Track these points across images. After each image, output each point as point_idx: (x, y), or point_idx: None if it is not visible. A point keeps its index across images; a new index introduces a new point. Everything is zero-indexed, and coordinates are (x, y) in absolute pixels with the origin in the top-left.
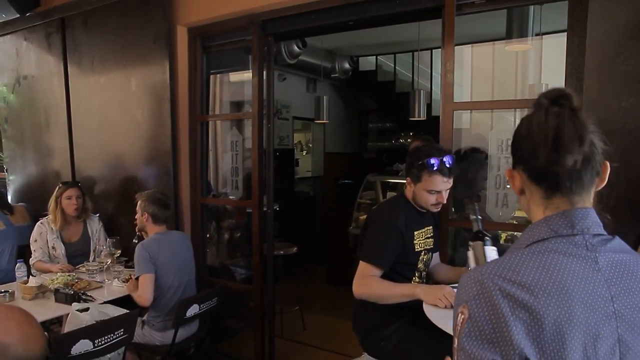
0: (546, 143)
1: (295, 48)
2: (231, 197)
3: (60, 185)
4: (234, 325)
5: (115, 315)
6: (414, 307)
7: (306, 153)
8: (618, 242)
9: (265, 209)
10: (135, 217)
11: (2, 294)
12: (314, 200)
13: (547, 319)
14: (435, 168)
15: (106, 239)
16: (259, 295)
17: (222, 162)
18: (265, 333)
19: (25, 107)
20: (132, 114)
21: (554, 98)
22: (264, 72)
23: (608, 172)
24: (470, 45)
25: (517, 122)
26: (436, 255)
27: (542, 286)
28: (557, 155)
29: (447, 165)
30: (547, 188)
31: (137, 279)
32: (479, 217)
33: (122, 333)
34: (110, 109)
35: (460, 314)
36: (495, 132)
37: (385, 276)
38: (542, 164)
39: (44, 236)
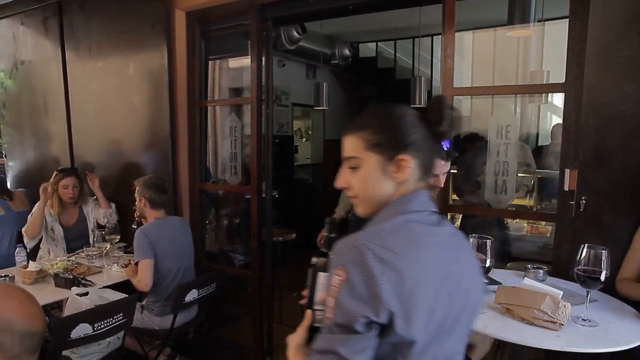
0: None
1: (295, 34)
2: (230, 183)
3: (57, 172)
4: (232, 310)
5: (114, 299)
6: None
7: (305, 140)
8: (446, 219)
9: (264, 195)
10: (135, 203)
11: (2, 279)
12: (314, 187)
13: (407, 278)
14: None
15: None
16: (258, 281)
17: (221, 148)
18: (263, 319)
19: (23, 93)
20: (131, 99)
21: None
22: (263, 57)
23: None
24: (471, 31)
25: (518, 108)
26: None
27: (404, 250)
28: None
29: (445, 149)
30: (424, 171)
31: (136, 264)
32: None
33: (121, 317)
34: (109, 94)
35: (336, 276)
36: (495, 118)
37: None
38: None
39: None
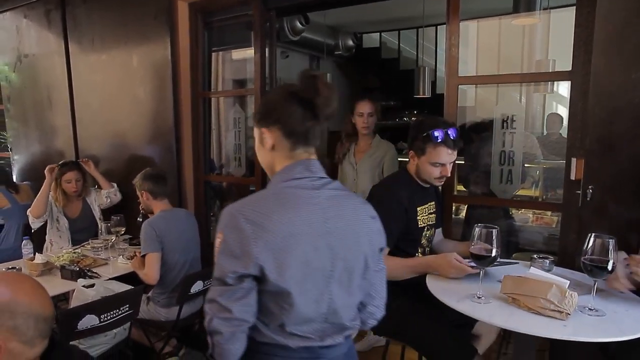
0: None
1: (298, 24)
2: (234, 174)
3: (59, 166)
4: None
5: (120, 291)
6: (416, 283)
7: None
8: (336, 184)
9: None
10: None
11: (9, 270)
12: None
13: (278, 235)
14: (439, 140)
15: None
16: None
17: (224, 139)
18: None
19: (27, 86)
20: (134, 91)
21: (308, 77)
22: (266, 48)
23: None
24: (476, 20)
25: (524, 98)
26: (438, 231)
27: (276, 212)
28: (306, 119)
29: (452, 138)
30: (293, 142)
31: (143, 256)
32: None
33: (127, 309)
34: (112, 86)
35: (217, 239)
36: (500, 107)
37: (389, 253)
38: (296, 124)
39: (48, 210)
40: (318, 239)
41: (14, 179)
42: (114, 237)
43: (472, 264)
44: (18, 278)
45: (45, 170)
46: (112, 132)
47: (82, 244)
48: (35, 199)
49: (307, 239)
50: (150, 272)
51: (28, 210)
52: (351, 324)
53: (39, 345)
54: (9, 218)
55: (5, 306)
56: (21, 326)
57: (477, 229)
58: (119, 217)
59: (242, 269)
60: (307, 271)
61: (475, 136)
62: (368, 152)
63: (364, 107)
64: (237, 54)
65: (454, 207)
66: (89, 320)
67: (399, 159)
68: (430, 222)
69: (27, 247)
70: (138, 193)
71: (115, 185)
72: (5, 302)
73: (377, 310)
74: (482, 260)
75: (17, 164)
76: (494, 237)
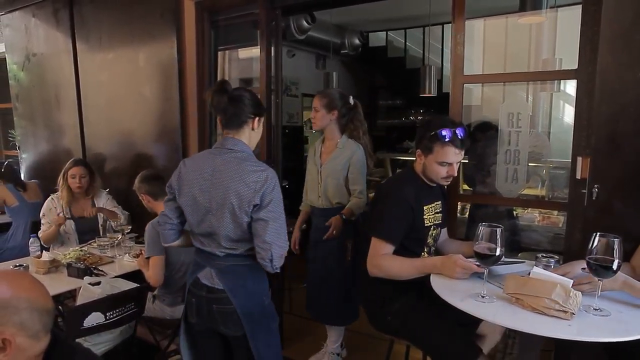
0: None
1: (304, 23)
2: None
3: (70, 161)
4: None
5: (126, 289)
6: (421, 281)
7: (315, 131)
8: (238, 154)
9: None
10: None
11: (17, 268)
12: None
13: (183, 174)
14: (447, 139)
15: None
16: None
17: None
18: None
19: (35, 85)
20: (141, 90)
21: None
22: (272, 47)
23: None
24: (482, 19)
25: (530, 97)
26: (444, 231)
27: (187, 162)
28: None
29: (459, 137)
30: (222, 126)
31: (147, 258)
32: None
33: (132, 306)
34: (119, 85)
35: None
36: (506, 106)
37: (394, 252)
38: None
39: (53, 212)
40: (203, 183)
41: (22, 177)
42: (120, 236)
43: (478, 262)
44: (15, 275)
45: (53, 219)
46: (118, 130)
47: (89, 242)
48: (47, 232)
49: (196, 180)
50: (154, 275)
51: (39, 234)
52: (227, 244)
53: (43, 339)
54: (16, 216)
55: (8, 302)
56: (26, 321)
57: (481, 228)
58: (125, 215)
59: (169, 189)
60: (193, 201)
61: (480, 135)
62: (333, 154)
63: (313, 102)
64: (243, 52)
65: (459, 207)
66: (95, 318)
67: (404, 158)
68: (437, 222)
69: (34, 244)
70: (140, 197)
71: (123, 216)
72: (7, 299)
73: (261, 250)
74: (486, 259)
75: (25, 162)
76: (497, 235)
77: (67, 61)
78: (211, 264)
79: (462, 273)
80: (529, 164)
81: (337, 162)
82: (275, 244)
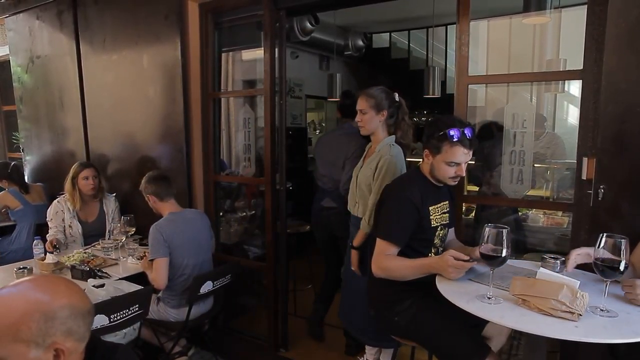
0: None
1: (308, 25)
2: (244, 175)
3: (77, 165)
4: (247, 302)
5: (130, 291)
6: (428, 282)
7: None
8: None
9: (278, 187)
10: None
11: (21, 270)
12: None
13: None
14: (456, 139)
15: (120, 219)
16: (272, 273)
17: (234, 139)
18: (278, 310)
19: (39, 87)
20: (145, 91)
21: None
22: (276, 48)
23: None
24: (486, 19)
25: (534, 98)
26: (451, 231)
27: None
28: None
29: (468, 137)
30: None
31: (151, 260)
32: None
33: (137, 308)
34: (123, 87)
35: None
36: (511, 107)
37: (401, 253)
38: None
39: (60, 215)
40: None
41: (26, 180)
42: (124, 238)
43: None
44: (52, 282)
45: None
46: (122, 132)
47: (93, 244)
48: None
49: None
50: (158, 278)
51: (47, 238)
52: None
53: (88, 338)
54: (20, 218)
55: (54, 314)
56: (72, 327)
57: (486, 229)
58: (129, 218)
59: None
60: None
61: (485, 136)
62: (369, 158)
63: (358, 103)
64: (247, 54)
65: (464, 208)
66: (99, 320)
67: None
68: (444, 222)
69: (38, 247)
70: (146, 198)
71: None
72: (53, 310)
73: None
74: (492, 260)
75: (29, 164)
76: (504, 237)
77: (71, 63)
78: None
79: (456, 272)
80: (535, 165)
81: (368, 169)
82: None
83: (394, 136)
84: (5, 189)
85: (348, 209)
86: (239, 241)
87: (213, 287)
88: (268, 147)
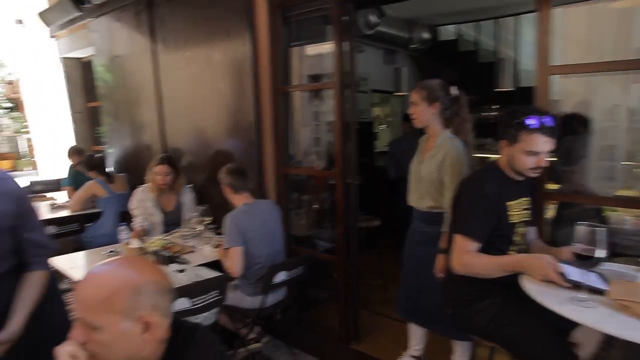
0: None
1: (373, 18)
2: (313, 168)
3: (155, 160)
4: (317, 294)
5: (210, 277)
6: (510, 281)
7: (386, 127)
8: None
9: (349, 180)
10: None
11: (109, 253)
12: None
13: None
14: (535, 126)
15: (196, 209)
16: (343, 267)
17: (303, 133)
18: (349, 304)
19: (119, 84)
20: (217, 86)
21: None
22: (344, 41)
23: None
24: (568, 6)
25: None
26: (532, 230)
27: None
28: None
29: (548, 125)
30: None
31: (226, 249)
32: None
33: (216, 294)
34: (196, 83)
35: None
36: (599, 99)
37: (481, 250)
38: None
39: (143, 204)
40: None
41: (111, 170)
42: (200, 227)
43: (569, 275)
44: (137, 261)
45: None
46: (196, 126)
47: (170, 232)
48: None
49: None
50: (233, 266)
51: (133, 226)
52: None
53: (171, 316)
54: (106, 206)
55: (141, 288)
56: (158, 302)
57: (580, 228)
58: (205, 207)
59: None
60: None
61: (567, 129)
62: (430, 153)
63: (411, 96)
64: (314, 49)
65: (545, 206)
66: (182, 303)
67: (481, 155)
68: (524, 219)
69: (123, 232)
70: (222, 188)
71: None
72: (140, 285)
73: None
74: (587, 261)
75: (112, 156)
76: (600, 236)
77: (147, 61)
78: None
79: (553, 276)
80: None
81: (431, 163)
82: None
83: (448, 130)
84: (93, 179)
85: (410, 203)
86: (307, 234)
87: (287, 277)
88: (339, 141)
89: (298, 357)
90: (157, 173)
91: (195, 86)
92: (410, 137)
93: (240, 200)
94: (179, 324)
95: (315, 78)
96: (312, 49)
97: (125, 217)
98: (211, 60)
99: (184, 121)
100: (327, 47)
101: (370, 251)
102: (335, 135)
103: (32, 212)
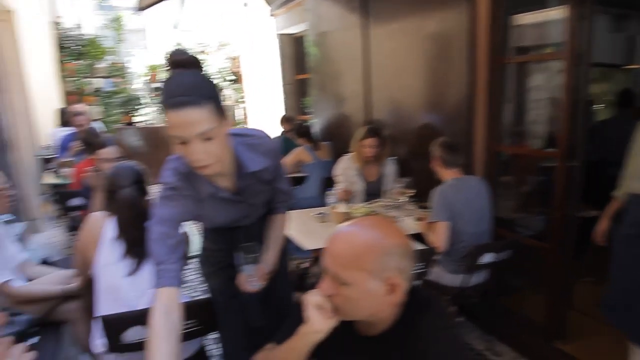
0: None
1: None
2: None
3: (363, 131)
4: (519, 282)
5: (417, 249)
6: None
7: (603, 107)
8: None
9: (573, 163)
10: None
11: (319, 215)
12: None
13: None
14: None
15: (398, 181)
16: (554, 257)
17: (519, 108)
18: (556, 298)
19: (326, 58)
20: (426, 58)
21: None
22: (577, 7)
23: None
24: None
25: None
26: None
27: None
28: None
29: None
30: None
31: (432, 223)
32: None
33: (422, 266)
34: (405, 54)
35: None
36: None
37: None
38: None
39: (347, 171)
40: None
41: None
42: (402, 199)
43: None
44: (386, 223)
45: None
46: (402, 98)
47: (371, 201)
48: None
49: None
50: (438, 241)
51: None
52: None
53: (409, 280)
54: (311, 172)
55: (390, 250)
56: (404, 265)
57: None
58: (409, 180)
59: None
60: None
61: None
62: None
63: None
64: (532, 17)
65: None
66: None
67: None
68: None
69: (331, 197)
70: (432, 160)
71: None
72: (389, 246)
73: None
74: None
75: (317, 125)
76: None
77: (356, 34)
78: None
79: None
80: None
81: None
82: None
83: None
84: (301, 146)
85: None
86: (512, 217)
87: (493, 259)
88: (566, 118)
89: (492, 344)
90: (366, 145)
91: (403, 58)
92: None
93: (449, 175)
94: (415, 291)
95: (537, 49)
96: (531, 17)
97: (328, 183)
98: (422, 31)
99: (389, 93)
100: (549, 15)
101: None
102: (563, 112)
103: (282, 165)
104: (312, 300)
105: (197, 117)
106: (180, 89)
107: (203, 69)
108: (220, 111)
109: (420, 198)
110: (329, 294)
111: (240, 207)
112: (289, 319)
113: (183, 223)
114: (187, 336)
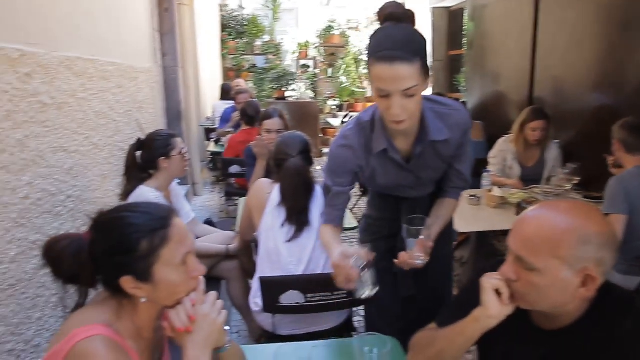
0: None
1: None
2: None
3: (529, 112)
4: None
5: None
6: None
7: None
8: None
9: None
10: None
11: (472, 198)
12: None
13: None
14: None
15: (561, 166)
16: None
17: None
18: None
19: (483, 33)
20: (608, 30)
21: None
22: None
23: None
24: None
25: None
26: None
27: None
28: None
29: None
30: None
31: (605, 215)
32: None
33: None
34: (578, 27)
35: None
36: None
37: None
38: None
39: (503, 154)
40: None
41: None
42: (567, 186)
43: None
44: (586, 208)
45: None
46: (569, 75)
47: (530, 187)
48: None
49: None
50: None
51: (488, 175)
52: None
53: (606, 275)
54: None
55: (590, 238)
56: (604, 256)
57: None
58: (575, 166)
59: None
60: None
61: None
62: None
63: None
64: None
65: None
66: None
67: None
68: None
69: (485, 179)
70: (612, 143)
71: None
72: (589, 234)
73: None
74: None
75: (468, 104)
76: None
77: (521, 4)
78: None
79: None
80: None
81: None
82: None
83: None
84: None
85: None
86: None
87: None
88: None
89: None
90: (534, 128)
91: (582, 30)
92: None
93: (631, 162)
94: (610, 286)
95: None
96: None
97: (480, 164)
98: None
99: (561, 69)
100: None
101: None
102: None
103: (467, 146)
104: (491, 283)
105: (405, 73)
106: (390, 42)
107: (415, 24)
108: (426, 70)
109: (586, 187)
110: (511, 279)
111: (405, 176)
112: (456, 300)
113: (352, 174)
114: (337, 306)
